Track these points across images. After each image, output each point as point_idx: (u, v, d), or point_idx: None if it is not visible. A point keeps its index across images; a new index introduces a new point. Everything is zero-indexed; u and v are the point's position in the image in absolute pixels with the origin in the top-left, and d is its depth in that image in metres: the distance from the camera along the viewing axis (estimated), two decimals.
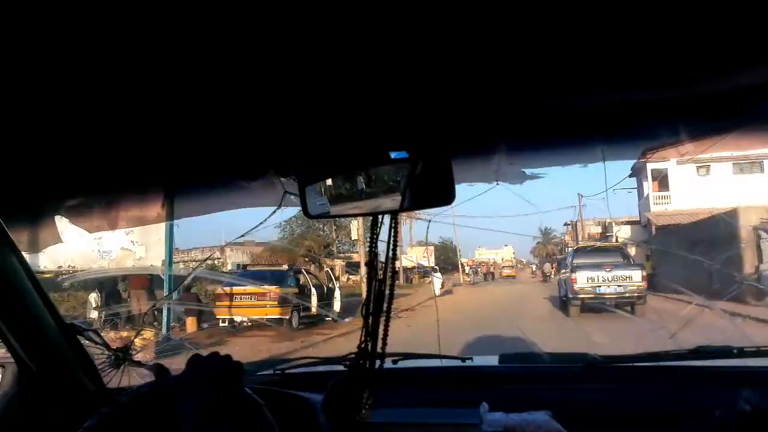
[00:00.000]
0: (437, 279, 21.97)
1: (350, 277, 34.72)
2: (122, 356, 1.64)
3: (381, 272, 1.19)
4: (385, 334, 1.25)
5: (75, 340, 1.55)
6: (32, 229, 1.41)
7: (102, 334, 1.60)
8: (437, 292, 20.63)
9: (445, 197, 1.09)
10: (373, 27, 0.74)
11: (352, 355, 1.87)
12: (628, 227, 32.86)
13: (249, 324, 13.39)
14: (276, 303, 13.28)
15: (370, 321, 1.22)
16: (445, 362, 1.88)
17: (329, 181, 1.18)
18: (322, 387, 1.55)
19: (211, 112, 1.03)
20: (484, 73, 0.91)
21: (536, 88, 0.97)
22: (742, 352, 1.60)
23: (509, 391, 1.63)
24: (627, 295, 13.75)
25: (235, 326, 13.41)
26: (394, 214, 1.15)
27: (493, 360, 1.87)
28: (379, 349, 1.26)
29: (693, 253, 17.63)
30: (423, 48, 0.81)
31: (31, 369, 1.48)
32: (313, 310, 14.20)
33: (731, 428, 1.27)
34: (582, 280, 14.04)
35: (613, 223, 33.48)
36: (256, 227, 1.48)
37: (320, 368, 1.84)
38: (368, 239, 1.18)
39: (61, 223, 1.37)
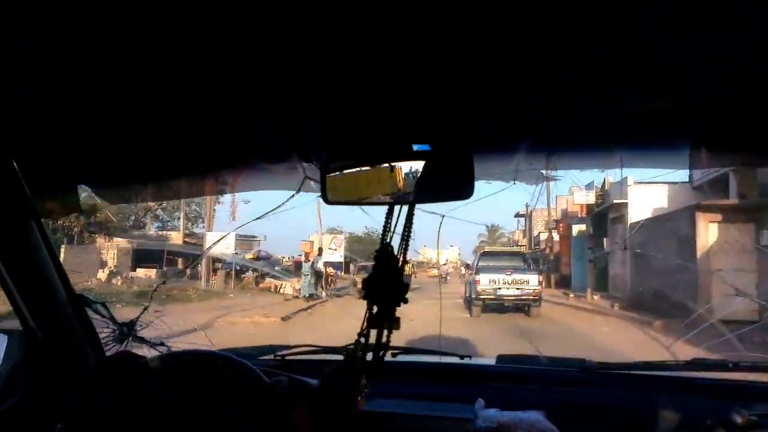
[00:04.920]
0: None
1: (132, 274, 20.12)
2: (126, 331, 1.66)
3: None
4: (389, 326, 1.24)
5: (82, 312, 1.56)
6: (55, 198, 1.43)
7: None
8: None
9: (464, 192, 1.12)
10: (404, 20, 0.77)
11: (350, 346, 1.91)
12: (658, 189, 17.57)
13: None
14: None
15: (372, 311, 1.19)
16: (444, 359, 1.91)
17: (350, 169, 1.20)
18: (320, 374, 1.57)
19: (240, 97, 1.05)
20: (509, 72, 0.94)
21: (561, 92, 1.00)
22: (737, 366, 1.63)
23: (505, 390, 1.66)
24: (524, 297, 14.56)
25: None
26: (411, 206, 1.17)
27: (490, 360, 1.90)
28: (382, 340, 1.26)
29: None
30: (450, 45, 0.84)
31: (38, 337, 1.49)
32: None
33: None
34: (485, 281, 14.75)
35: (628, 183, 18.19)
36: (272, 211, 1.49)
37: (319, 356, 1.86)
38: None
39: (84, 192, 1.39)
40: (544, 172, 1.22)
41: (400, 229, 1.23)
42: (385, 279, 1.17)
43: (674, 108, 1.01)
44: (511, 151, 1.18)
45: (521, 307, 14.71)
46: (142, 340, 1.66)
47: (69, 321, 1.53)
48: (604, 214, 21.69)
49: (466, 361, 1.80)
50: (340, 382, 1.27)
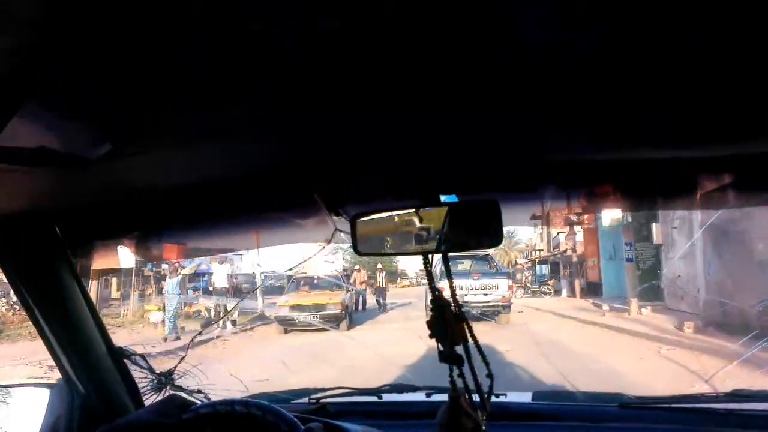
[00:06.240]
0: None
1: None
2: (164, 381, 1.69)
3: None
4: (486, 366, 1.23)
5: (121, 364, 1.60)
6: (95, 259, 1.48)
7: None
8: None
9: (493, 239, 1.13)
10: (431, 79, 0.79)
11: (385, 387, 1.91)
12: None
13: None
14: None
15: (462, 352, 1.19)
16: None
17: (380, 220, 1.22)
18: (356, 416, 1.57)
19: (271, 156, 1.08)
20: (530, 124, 0.96)
21: (580, 146, 1.02)
22: None
23: (543, 428, 1.65)
24: (492, 303, 13.29)
25: None
26: (444, 254, 1.18)
27: (526, 396, 1.88)
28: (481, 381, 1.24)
29: None
30: (478, 100, 0.86)
31: (80, 390, 1.53)
32: None
33: None
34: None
35: None
36: (304, 261, 1.51)
37: (354, 398, 1.87)
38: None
39: (122, 251, 1.44)
40: (573, 216, 1.23)
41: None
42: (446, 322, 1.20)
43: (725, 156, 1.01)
44: (536, 198, 1.19)
45: (489, 313, 13.06)
46: (180, 389, 1.68)
47: (109, 373, 1.57)
48: None
49: (501, 399, 1.78)
50: (456, 424, 1.23)
